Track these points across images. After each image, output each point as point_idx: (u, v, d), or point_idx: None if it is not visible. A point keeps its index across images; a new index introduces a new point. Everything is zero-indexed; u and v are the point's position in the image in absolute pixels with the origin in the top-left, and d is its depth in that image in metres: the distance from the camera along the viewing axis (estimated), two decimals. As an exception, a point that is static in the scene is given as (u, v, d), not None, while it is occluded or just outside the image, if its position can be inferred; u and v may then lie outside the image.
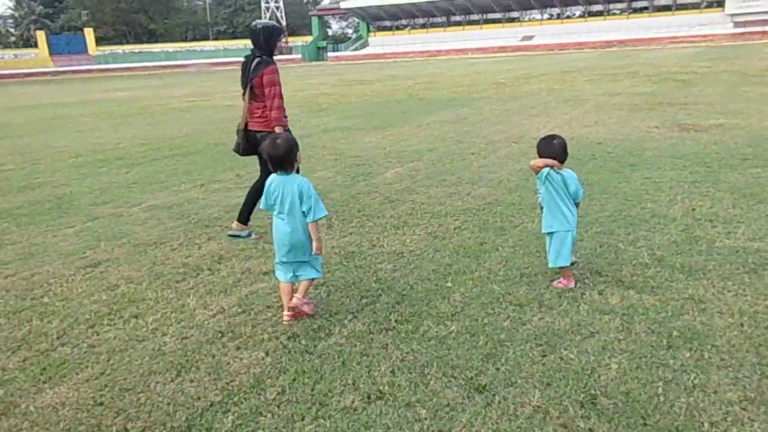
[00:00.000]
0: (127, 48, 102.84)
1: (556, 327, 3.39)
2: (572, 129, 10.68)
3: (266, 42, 5.16)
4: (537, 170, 3.89)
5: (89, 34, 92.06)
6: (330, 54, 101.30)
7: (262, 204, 3.76)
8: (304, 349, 3.29)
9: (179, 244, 5.28)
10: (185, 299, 4.06)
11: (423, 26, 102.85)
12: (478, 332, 3.36)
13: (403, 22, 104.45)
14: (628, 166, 7.35)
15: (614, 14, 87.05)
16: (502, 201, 6.09)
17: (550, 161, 3.87)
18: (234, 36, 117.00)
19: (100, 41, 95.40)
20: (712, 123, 10.19)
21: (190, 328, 3.61)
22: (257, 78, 5.07)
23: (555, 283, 3.98)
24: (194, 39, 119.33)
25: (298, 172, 3.79)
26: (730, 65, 24.71)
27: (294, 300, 3.59)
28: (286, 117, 5.26)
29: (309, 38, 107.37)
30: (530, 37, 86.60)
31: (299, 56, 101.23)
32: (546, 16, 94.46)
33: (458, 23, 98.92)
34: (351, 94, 21.95)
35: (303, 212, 3.54)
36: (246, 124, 5.29)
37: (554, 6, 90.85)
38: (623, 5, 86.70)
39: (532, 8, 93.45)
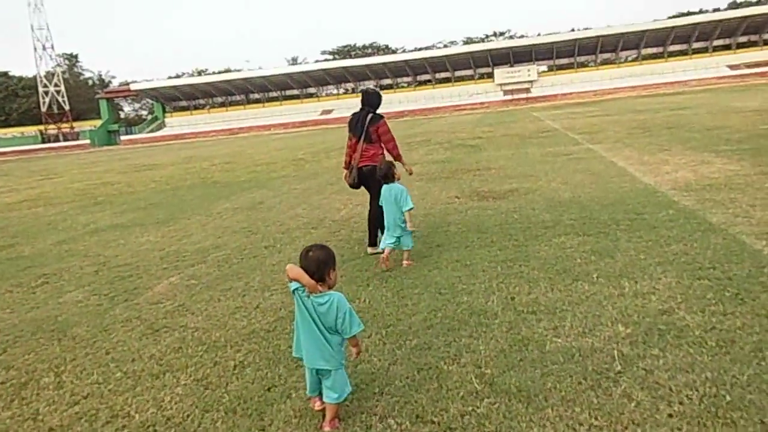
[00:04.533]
0: None
1: None
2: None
3: (377, 102, 6.81)
4: (289, 279, 3.06)
5: None
6: (123, 137, 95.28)
7: None
8: None
9: None
10: None
11: (222, 105, 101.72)
12: None
13: (201, 101, 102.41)
14: (435, 247, 6.68)
15: (402, 87, 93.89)
16: (298, 312, 4.93)
17: (305, 279, 2.98)
18: (7, 124, 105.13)
19: None
20: (507, 188, 10.22)
21: None
22: (374, 127, 6.61)
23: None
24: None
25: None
26: (509, 129, 26.94)
27: None
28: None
29: (98, 122, 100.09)
30: (329, 111, 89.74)
31: (87, 141, 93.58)
32: (342, 90, 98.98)
33: (258, 101, 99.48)
34: (137, 182, 19.73)
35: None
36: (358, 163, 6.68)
37: (348, 81, 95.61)
38: (410, 79, 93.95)
39: (328, 84, 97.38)
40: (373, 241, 6.79)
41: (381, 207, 6.26)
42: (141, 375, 4.01)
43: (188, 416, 3.38)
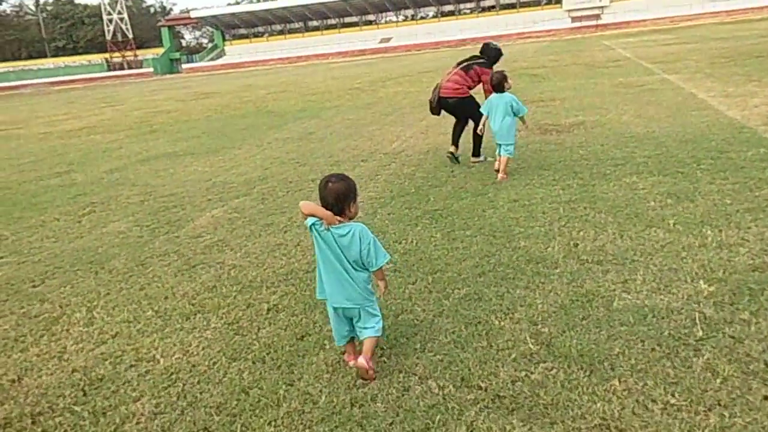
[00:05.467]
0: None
1: None
2: (428, 138, 9.52)
3: (495, 56, 7.32)
4: (304, 217, 2.81)
5: None
6: (185, 66, 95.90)
7: None
8: None
9: None
10: None
11: (281, 32, 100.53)
12: None
13: (260, 29, 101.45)
14: (491, 185, 6.17)
15: (465, 14, 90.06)
16: (340, 252, 4.60)
17: (319, 211, 2.73)
18: (75, 52, 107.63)
19: None
20: (572, 121, 9.45)
21: None
22: (481, 69, 7.13)
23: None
24: (29, 57, 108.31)
25: None
26: (576, 58, 25.30)
27: None
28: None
29: (160, 50, 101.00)
30: (388, 39, 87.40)
31: (150, 70, 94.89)
32: (401, 17, 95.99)
33: (316, 28, 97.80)
34: (193, 110, 19.69)
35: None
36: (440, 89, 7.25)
37: (408, 8, 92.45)
38: (472, 5, 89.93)
39: (387, 10, 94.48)
40: (477, 152, 7.37)
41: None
42: (172, 315, 3.80)
43: (214, 364, 3.13)
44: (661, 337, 2.93)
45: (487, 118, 6.45)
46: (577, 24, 79.67)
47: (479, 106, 6.74)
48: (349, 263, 2.79)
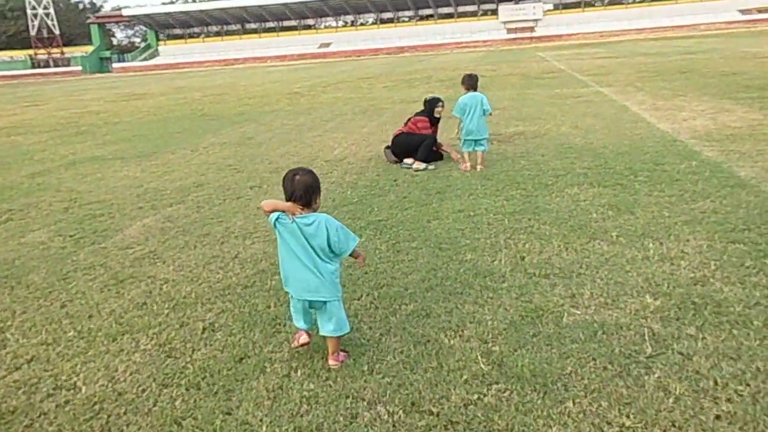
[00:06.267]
0: None
1: None
2: (370, 145, 9.40)
3: (430, 107, 7.70)
4: (266, 214, 2.94)
5: None
6: (116, 65, 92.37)
7: None
8: None
9: None
10: None
11: (218, 34, 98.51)
12: None
13: (196, 30, 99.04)
14: (435, 194, 6.10)
15: (404, 21, 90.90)
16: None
17: (281, 205, 2.87)
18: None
19: None
20: (513, 131, 9.56)
21: None
22: (415, 119, 7.81)
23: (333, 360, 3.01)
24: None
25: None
26: (513, 69, 25.87)
27: None
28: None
29: (90, 48, 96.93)
30: (328, 44, 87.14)
31: (79, 68, 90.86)
32: (341, 23, 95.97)
33: (254, 31, 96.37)
34: (124, 112, 18.87)
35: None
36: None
37: (347, 14, 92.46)
38: (411, 13, 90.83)
39: (327, 15, 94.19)
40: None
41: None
42: (96, 336, 3.49)
43: (143, 391, 2.87)
44: (612, 354, 2.89)
45: (461, 120, 6.94)
46: (513, 35, 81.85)
47: (426, 137, 7.46)
48: (316, 253, 2.86)
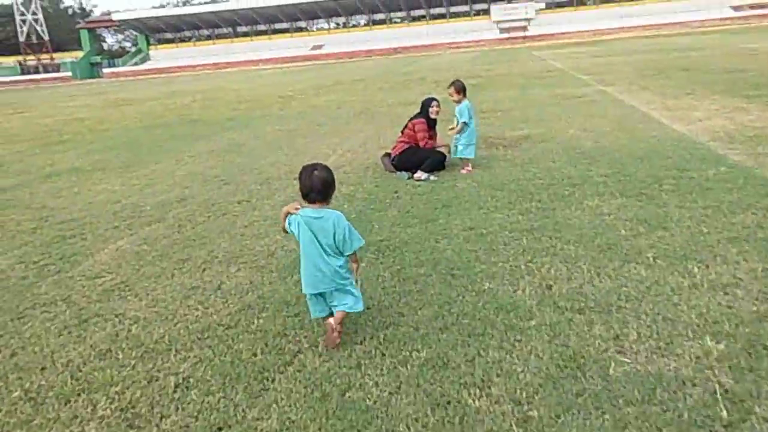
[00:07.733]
0: None
1: None
2: (367, 152, 8.82)
3: (425, 107, 7.13)
4: (282, 225, 3.13)
5: None
6: (106, 70, 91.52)
7: None
8: None
9: None
10: None
11: (209, 38, 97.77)
12: None
13: (187, 33, 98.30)
14: (442, 208, 5.53)
15: (396, 23, 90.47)
16: (270, 299, 3.80)
17: (284, 210, 3.09)
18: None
19: None
20: (518, 135, 9.00)
21: None
22: (411, 124, 7.20)
23: None
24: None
25: None
26: (510, 68, 25.35)
27: None
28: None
29: (80, 53, 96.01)
30: (320, 46, 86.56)
31: (69, 74, 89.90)
32: (333, 25, 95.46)
33: (246, 34, 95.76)
34: (111, 118, 18.22)
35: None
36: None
37: (339, 15, 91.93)
38: (403, 14, 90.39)
39: (319, 17, 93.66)
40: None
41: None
42: (47, 396, 2.90)
43: (95, 479, 2.29)
44: (681, 422, 2.32)
45: (464, 125, 6.78)
46: (505, 35, 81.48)
47: (428, 150, 7.04)
48: (322, 248, 2.97)
